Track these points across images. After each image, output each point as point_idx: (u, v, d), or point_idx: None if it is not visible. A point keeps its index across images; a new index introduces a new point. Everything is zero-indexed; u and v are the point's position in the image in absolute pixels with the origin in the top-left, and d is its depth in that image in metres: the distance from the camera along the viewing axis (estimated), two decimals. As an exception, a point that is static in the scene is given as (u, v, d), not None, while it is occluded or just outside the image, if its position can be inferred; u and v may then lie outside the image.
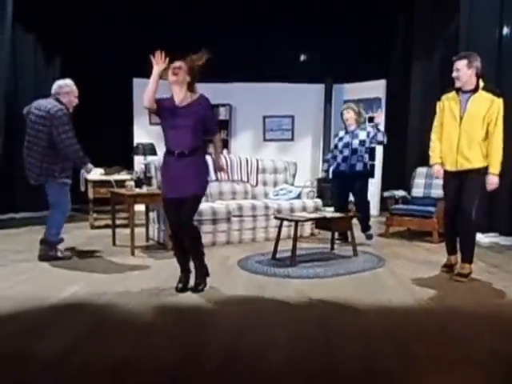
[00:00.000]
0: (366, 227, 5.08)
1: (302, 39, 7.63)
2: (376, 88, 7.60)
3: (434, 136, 3.64)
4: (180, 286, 3.10)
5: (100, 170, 5.54)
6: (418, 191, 5.69)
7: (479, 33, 5.16)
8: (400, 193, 5.62)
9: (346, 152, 4.99)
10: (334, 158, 5.17)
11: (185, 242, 3.07)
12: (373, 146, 5.11)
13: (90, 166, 3.92)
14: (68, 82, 3.98)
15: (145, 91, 2.96)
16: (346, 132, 5.09)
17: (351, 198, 5.24)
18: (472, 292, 3.19)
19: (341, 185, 5.08)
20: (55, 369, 1.95)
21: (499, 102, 3.32)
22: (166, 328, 2.48)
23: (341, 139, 5.10)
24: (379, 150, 7.91)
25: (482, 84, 3.37)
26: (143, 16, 7.20)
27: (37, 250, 3.96)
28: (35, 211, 6.04)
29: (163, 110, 3.03)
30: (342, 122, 5.24)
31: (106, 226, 5.59)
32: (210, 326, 2.51)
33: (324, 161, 5.49)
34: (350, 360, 2.08)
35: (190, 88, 3.06)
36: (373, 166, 7.76)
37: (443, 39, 6.18)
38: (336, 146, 5.14)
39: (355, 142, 4.96)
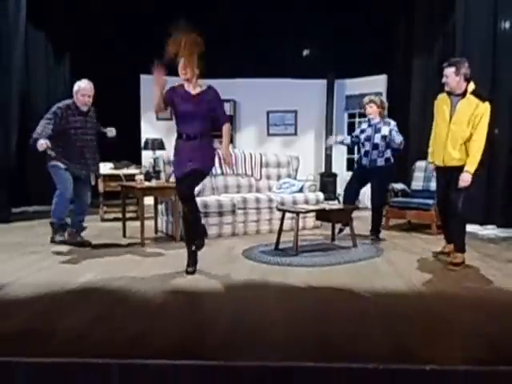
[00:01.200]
0: (374, 228, 4.87)
1: (304, 36, 7.80)
2: (377, 83, 7.75)
3: (432, 135, 3.93)
4: (190, 269, 3.38)
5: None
6: (417, 184, 5.85)
7: (474, 30, 5.35)
8: (399, 186, 5.79)
9: (368, 146, 4.83)
10: (353, 144, 5.18)
11: (187, 216, 3.38)
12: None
13: (40, 141, 3.98)
14: (79, 82, 4.29)
15: (153, 104, 3.32)
16: (369, 125, 4.88)
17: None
18: (462, 278, 3.37)
19: (357, 177, 4.98)
20: (78, 341, 2.17)
21: (484, 107, 3.50)
22: (175, 309, 2.70)
23: (363, 131, 4.94)
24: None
25: (471, 88, 3.57)
26: (150, 15, 7.37)
27: (49, 241, 4.27)
28: (48, 205, 6.29)
29: (175, 98, 3.28)
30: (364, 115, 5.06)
31: (115, 219, 5.82)
32: (216, 307, 2.72)
33: (351, 139, 5.18)
34: (344, 336, 2.29)
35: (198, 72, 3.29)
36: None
37: (442, 35, 6.34)
38: (358, 137, 4.99)
39: (377, 136, 4.76)
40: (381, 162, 4.80)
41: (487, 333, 2.31)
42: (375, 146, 4.79)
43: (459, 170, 3.59)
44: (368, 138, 4.85)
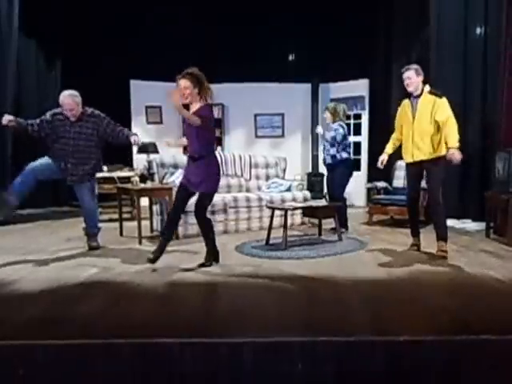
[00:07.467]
0: (340, 221, 5.02)
1: (290, 42, 8.13)
2: (360, 87, 8.11)
3: (393, 133, 4.31)
4: (151, 256, 3.56)
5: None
6: (398, 182, 6.20)
7: (447, 37, 5.81)
8: (381, 184, 6.13)
9: (321, 147, 5.56)
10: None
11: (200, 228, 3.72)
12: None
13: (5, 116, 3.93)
14: (62, 94, 4.12)
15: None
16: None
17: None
18: (437, 265, 3.68)
19: (327, 177, 5.66)
20: (91, 327, 2.40)
21: (441, 101, 3.90)
22: (178, 297, 2.95)
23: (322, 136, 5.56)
24: (364, 145, 8.42)
25: (427, 89, 4.00)
26: (139, 20, 7.60)
27: (47, 242, 4.50)
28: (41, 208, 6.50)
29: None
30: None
31: (110, 220, 6.01)
32: (215, 294, 2.99)
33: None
34: (328, 315, 2.57)
35: (201, 96, 3.50)
36: (358, 160, 8.29)
37: (419, 42, 6.74)
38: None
39: (326, 138, 5.42)
40: (328, 160, 5.40)
41: (451, 309, 2.62)
42: (324, 147, 5.48)
43: (429, 162, 3.94)
44: (322, 138, 5.52)
